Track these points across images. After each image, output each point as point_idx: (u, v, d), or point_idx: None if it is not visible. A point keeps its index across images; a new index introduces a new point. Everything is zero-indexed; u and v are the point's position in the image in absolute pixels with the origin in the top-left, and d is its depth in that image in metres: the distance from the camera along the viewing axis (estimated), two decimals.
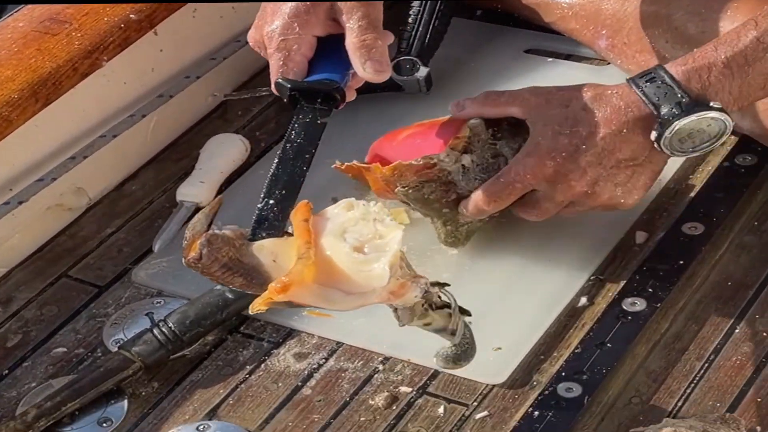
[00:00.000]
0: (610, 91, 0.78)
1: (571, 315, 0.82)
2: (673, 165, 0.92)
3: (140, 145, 0.98)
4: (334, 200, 0.92)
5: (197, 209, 0.93)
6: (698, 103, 0.76)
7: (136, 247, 0.91)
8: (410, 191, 0.82)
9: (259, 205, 0.72)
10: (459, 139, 0.82)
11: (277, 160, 0.75)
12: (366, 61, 0.77)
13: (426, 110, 1.00)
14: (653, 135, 0.77)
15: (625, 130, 0.77)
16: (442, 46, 1.03)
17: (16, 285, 0.88)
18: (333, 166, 0.85)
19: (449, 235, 0.85)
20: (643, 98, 0.77)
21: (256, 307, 0.66)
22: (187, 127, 1.02)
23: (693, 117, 0.76)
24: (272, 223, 0.71)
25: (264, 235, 0.70)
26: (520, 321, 0.82)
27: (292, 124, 0.78)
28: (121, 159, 0.97)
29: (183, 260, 0.69)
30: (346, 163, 0.85)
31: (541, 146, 0.78)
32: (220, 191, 0.95)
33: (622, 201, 0.80)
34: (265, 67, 1.07)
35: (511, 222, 0.88)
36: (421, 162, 0.81)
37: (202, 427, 0.76)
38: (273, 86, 0.80)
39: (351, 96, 0.83)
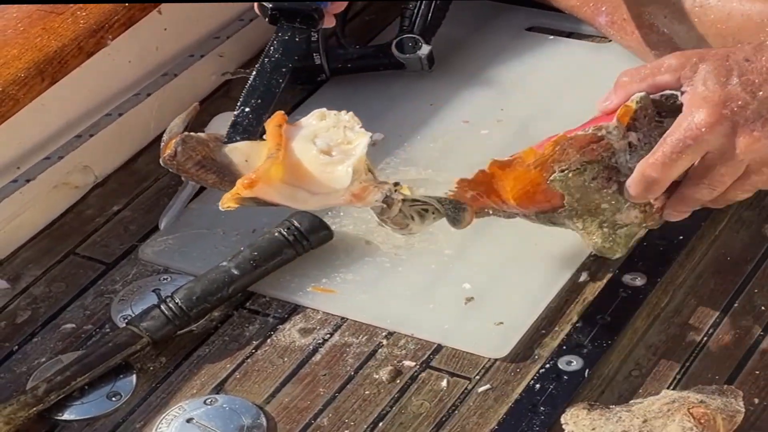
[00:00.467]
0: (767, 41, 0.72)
1: (572, 290, 0.83)
2: None
3: (146, 123, 0.99)
4: None
5: (202, 187, 0.94)
6: None
7: (142, 225, 0.92)
8: (570, 174, 0.74)
9: (235, 113, 0.75)
10: (627, 110, 0.73)
11: (255, 73, 0.78)
12: None
13: (428, 88, 1.01)
14: None
15: None
16: (444, 24, 1.03)
17: (25, 262, 0.89)
18: (453, 188, 0.75)
19: (606, 239, 0.77)
20: None
21: (226, 203, 0.70)
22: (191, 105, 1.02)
23: None
24: (246, 128, 0.74)
25: (238, 138, 0.73)
26: (522, 296, 0.82)
27: (271, 41, 0.81)
28: (126, 137, 0.97)
29: (160, 160, 0.71)
30: (470, 178, 0.75)
31: (711, 98, 0.70)
32: None
33: None
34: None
35: None
36: (590, 132, 0.73)
37: (209, 400, 0.77)
38: (256, 6, 0.80)
39: (330, 21, 0.83)
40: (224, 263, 0.84)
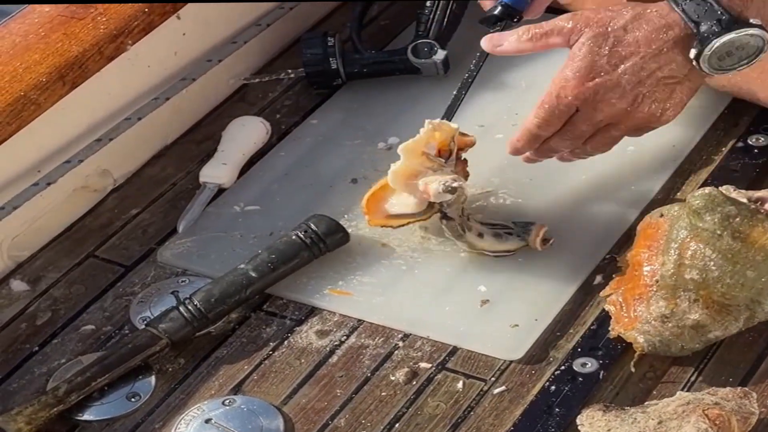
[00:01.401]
0: (650, 10, 0.78)
1: (586, 293, 0.83)
2: (688, 143, 0.93)
3: (164, 127, 0.99)
4: (354, 181, 0.94)
5: (220, 190, 0.95)
6: (738, 21, 0.77)
7: (160, 228, 0.92)
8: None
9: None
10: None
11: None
12: None
13: (443, 92, 1.01)
14: (692, 53, 0.78)
15: (665, 49, 0.78)
16: (458, 29, 1.04)
17: (45, 265, 0.90)
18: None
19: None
20: (683, 16, 0.78)
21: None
22: (209, 109, 1.03)
23: (732, 34, 0.77)
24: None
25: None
26: (537, 299, 0.83)
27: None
28: (145, 141, 0.98)
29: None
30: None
31: (581, 67, 0.79)
32: (242, 173, 0.96)
33: (661, 118, 0.80)
34: (285, 51, 1.09)
35: (528, 202, 0.89)
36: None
37: (227, 401, 0.78)
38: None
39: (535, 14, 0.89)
40: (242, 266, 0.84)
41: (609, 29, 0.79)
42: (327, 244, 0.86)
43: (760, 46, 0.78)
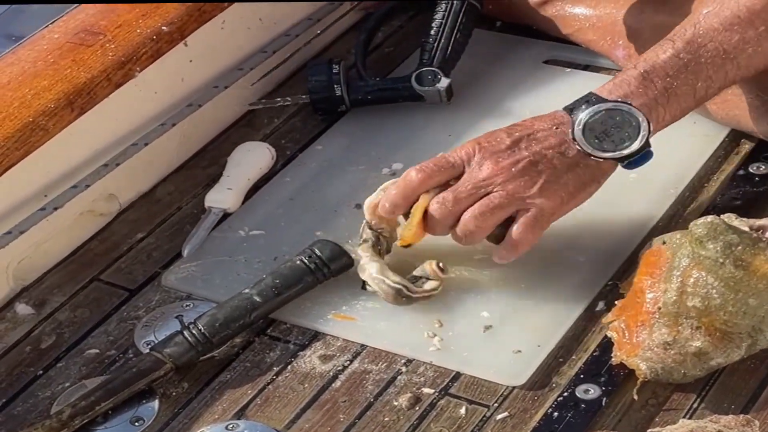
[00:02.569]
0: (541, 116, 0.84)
1: (589, 319, 0.83)
2: (689, 171, 0.93)
3: (170, 152, 1.00)
4: (358, 206, 0.94)
5: (225, 215, 0.95)
6: (606, 101, 0.80)
7: (165, 252, 0.92)
8: None
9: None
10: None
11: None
12: None
13: (447, 119, 1.02)
14: (568, 132, 0.81)
15: (554, 128, 0.81)
16: (462, 57, 1.04)
17: (50, 288, 0.90)
18: None
19: None
20: (565, 108, 0.82)
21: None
22: (215, 135, 1.03)
23: (594, 107, 0.80)
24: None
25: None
26: (539, 325, 0.82)
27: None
28: (151, 166, 0.98)
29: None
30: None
31: (480, 137, 0.82)
32: (247, 198, 0.97)
33: (535, 191, 0.80)
34: (290, 77, 1.10)
35: None
36: None
37: (231, 426, 0.77)
38: None
39: None
40: (246, 290, 0.84)
41: (504, 129, 0.83)
42: (331, 269, 0.86)
43: (636, 124, 0.79)
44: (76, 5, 0.97)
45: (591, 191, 0.82)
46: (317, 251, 0.86)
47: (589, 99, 0.81)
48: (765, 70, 0.85)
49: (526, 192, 0.80)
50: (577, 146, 0.80)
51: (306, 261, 0.86)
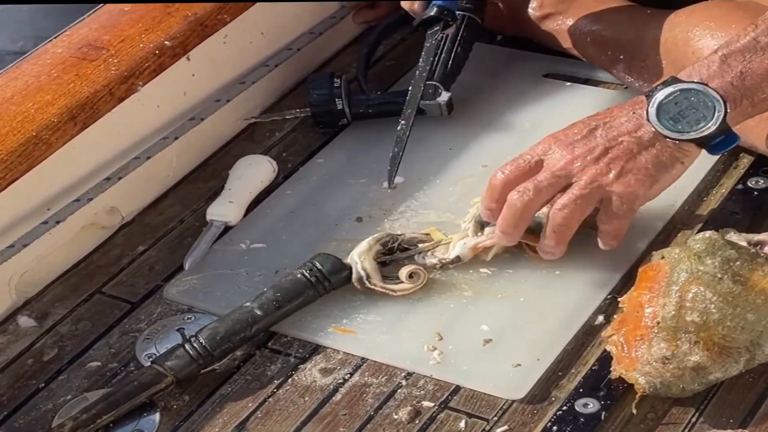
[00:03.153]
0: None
1: (588, 333, 0.83)
2: (688, 185, 0.93)
3: (172, 166, 1.00)
4: (359, 220, 0.94)
5: (227, 228, 0.95)
6: (683, 81, 0.80)
7: (167, 265, 0.92)
8: None
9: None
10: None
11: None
12: None
13: (447, 133, 1.02)
14: (642, 114, 0.80)
15: (631, 113, 0.81)
16: (463, 70, 1.04)
17: (52, 301, 0.90)
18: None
19: None
20: (645, 92, 0.82)
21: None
22: (216, 148, 1.03)
23: (670, 88, 0.80)
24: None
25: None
26: (539, 338, 0.82)
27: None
28: (153, 179, 0.98)
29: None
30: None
31: (561, 130, 0.82)
32: (248, 211, 0.97)
33: (615, 177, 0.80)
34: (292, 91, 1.10)
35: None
36: None
37: None
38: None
39: None
40: (247, 303, 0.85)
41: (584, 119, 0.83)
42: (332, 282, 0.86)
43: (712, 105, 0.79)
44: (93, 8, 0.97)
45: (675, 173, 0.81)
46: (318, 264, 0.86)
47: (667, 80, 0.80)
48: None
49: (603, 179, 0.79)
50: (652, 128, 0.79)
51: (307, 274, 0.86)
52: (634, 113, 0.80)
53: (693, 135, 0.79)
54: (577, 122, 0.82)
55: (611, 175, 0.79)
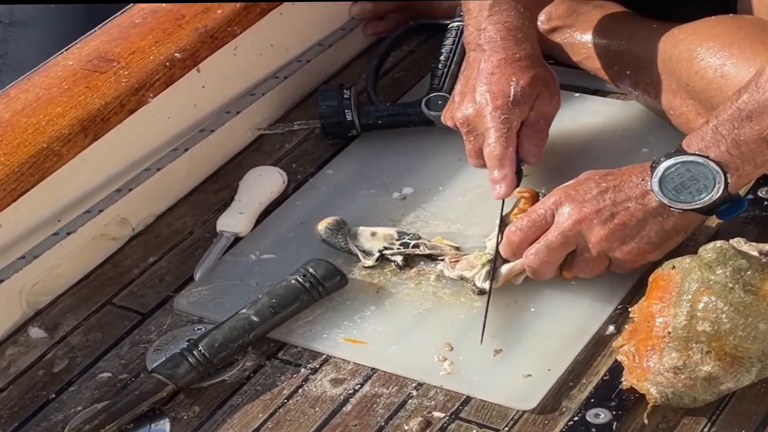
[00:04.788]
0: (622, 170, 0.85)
1: (599, 343, 0.82)
2: None
3: (182, 177, 1.00)
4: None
5: (237, 239, 0.95)
6: (686, 153, 0.82)
7: (177, 276, 0.92)
8: None
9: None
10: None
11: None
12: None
13: (456, 144, 1.01)
14: (648, 183, 0.82)
15: (640, 180, 0.83)
16: None
17: (63, 312, 0.90)
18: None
19: None
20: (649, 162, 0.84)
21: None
22: (226, 159, 1.03)
23: (671, 160, 0.81)
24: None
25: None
26: (550, 349, 0.82)
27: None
28: (163, 191, 0.98)
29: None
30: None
31: (570, 184, 0.84)
32: (258, 222, 0.97)
33: (619, 244, 0.82)
34: (301, 102, 1.10)
35: None
36: None
37: None
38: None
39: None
40: (244, 310, 0.84)
41: (583, 180, 0.84)
42: (326, 287, 0.86)
43: (713, 176, 0.81)
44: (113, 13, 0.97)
45: (677, 240, 0.84)
46: (311, 270, 0.86)
47: (671, 151, 0.82)
48: None
49: (607, 244, 0.82)
50: (657, 199, 0.82)
51: (301, 280, 0.86)
52: (642, 180, 0.82)
53: (694, 205, 0.81)
54: (590, 179, 0.84)
55: (616, 242, 0.82)
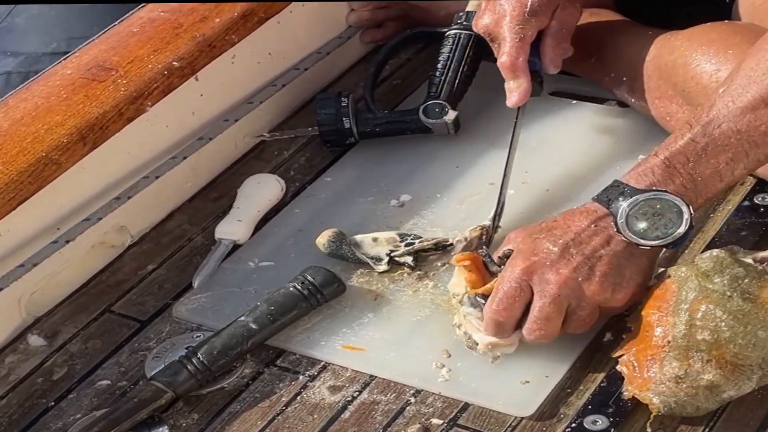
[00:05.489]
0: (576, 207, 0.83)
1: (596, 349, 0.82)
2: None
3: (181, 185, 1.00)
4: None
5: (235, 247, 0.95)
6: (643, 191, 0.80)
7: (176, 283, 0.92)
8: None
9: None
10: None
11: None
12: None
13: (454, 151, 1.02)
14: (613, 227, 0.80)
15: (593, 226, 0.81)
16: (470, 89, 1.04)
17: (62, 320, 0.90)
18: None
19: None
20: (598, 201, 0.82)
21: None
22: (225, 167, 1.03)
23: (630, 199, 0.80)
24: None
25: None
26: (547, 355, 0.82)
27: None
28: (162, 198, 0.98)
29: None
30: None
31: (524, 249, 0.81)
32: (256, 229, 0.97)
33: (616, 295, 0.80)
34: (300, 110, 1.10)
35: None
36: None
37: None
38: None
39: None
40: (242, 318, 0.84)
41: (544, 223, 0.82)
42: (324, 294, 0.86)
43: (677, 209, 0.80)
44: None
45: (651, 274, 0.82)
46: (309, 277, 0.86)
47: (623, 191, 0.81)
48: None
49: (601, 297, 0.79)
50: (625, 239, 0.80)
51: (299, 287, 0.86)
52: (596, 226, 0.80)
53: (668, 240, 0.80)
54: (537, 238, 0.81)
55: (608, 293, 0.79)
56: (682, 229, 0.80)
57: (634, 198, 0.80)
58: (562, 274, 0.79)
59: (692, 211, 0.80)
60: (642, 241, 0.80)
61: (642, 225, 0.80)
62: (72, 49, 0.97)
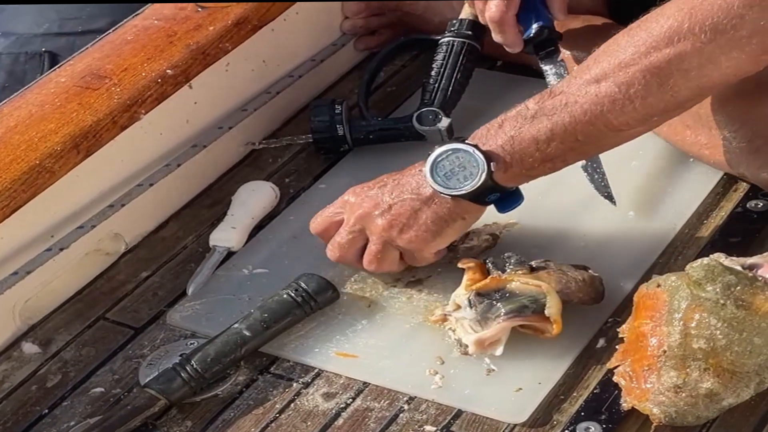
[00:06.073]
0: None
1: (589, 356, 0.82)
2: (688, 208, 0.93)
3: (175, 192, 1.00)
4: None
5: (229, 254, 0.95)
6: (461, 142, 0.85)
7: (170, 291, 0.92)
8: None
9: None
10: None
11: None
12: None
13: None
14: (423, 170, 0.85)
15: (417, 168, 0.87)
16: (463, 96, 1.04)
17: (56, 327, 0.89)
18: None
19: None
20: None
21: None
22: (219, 174, 1.03)
23: (443, 148, 0.85)
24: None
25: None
26: (540, 362, 0.81)
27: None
28: (156, 206, 0.98)
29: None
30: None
31: (351, 198, 0.88)
32: (251, 237, 0.96)
33: (398, 233, 0.85)
34: (294, 117, 1.10)
35: None
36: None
37: None
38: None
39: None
40: (236, 325, 0.84)
41: (366, 185, 0.89)
42: (318, 301, 0.86)
43: (477, 165, 0.83)
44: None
45: (457, 227, 0.86)
46: (303, 285, 0.86)
47: (441, 141, 0.87)
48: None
49: (388, 234, 0.85)
50: (430, 185, 0.85)
51: (293, 295, 0.86)
52: (420, 171, 0.86)
53: (461, 191, 0.84)
54: (382, 177, 0.88)
55: (394, 232, 0.85)
56: (475, 183, 0.83)
57: (445, 147, 0.84)
58: (364, 207, 0.86)
59: (491, 171, 0.83)
60: (437, 187, 0.84)
61: (442, 174, 0.83)
62: (64, 30, 0.96)
